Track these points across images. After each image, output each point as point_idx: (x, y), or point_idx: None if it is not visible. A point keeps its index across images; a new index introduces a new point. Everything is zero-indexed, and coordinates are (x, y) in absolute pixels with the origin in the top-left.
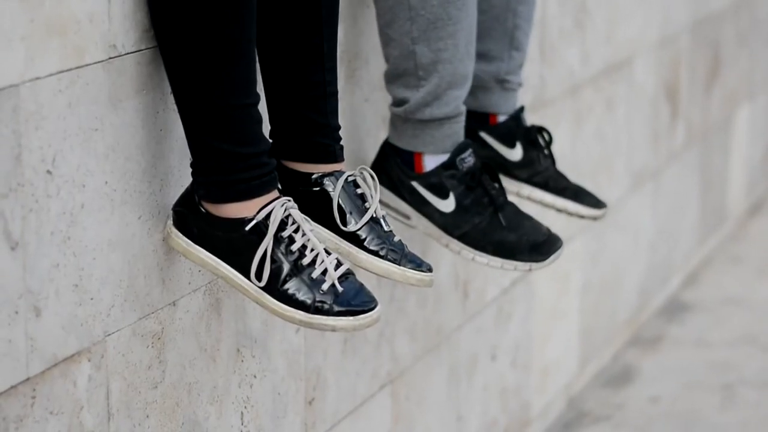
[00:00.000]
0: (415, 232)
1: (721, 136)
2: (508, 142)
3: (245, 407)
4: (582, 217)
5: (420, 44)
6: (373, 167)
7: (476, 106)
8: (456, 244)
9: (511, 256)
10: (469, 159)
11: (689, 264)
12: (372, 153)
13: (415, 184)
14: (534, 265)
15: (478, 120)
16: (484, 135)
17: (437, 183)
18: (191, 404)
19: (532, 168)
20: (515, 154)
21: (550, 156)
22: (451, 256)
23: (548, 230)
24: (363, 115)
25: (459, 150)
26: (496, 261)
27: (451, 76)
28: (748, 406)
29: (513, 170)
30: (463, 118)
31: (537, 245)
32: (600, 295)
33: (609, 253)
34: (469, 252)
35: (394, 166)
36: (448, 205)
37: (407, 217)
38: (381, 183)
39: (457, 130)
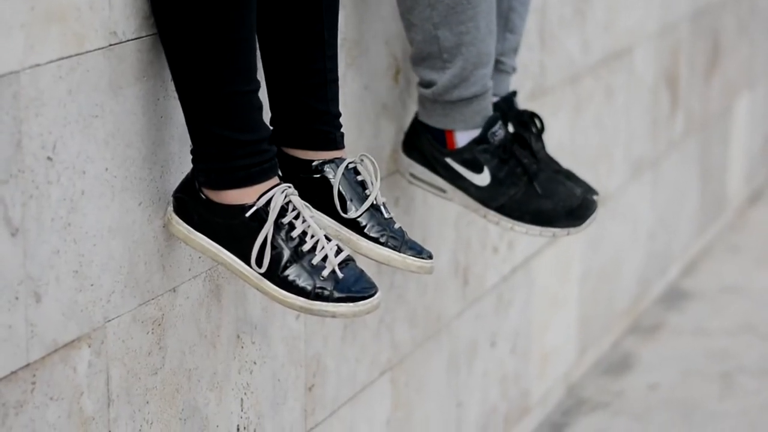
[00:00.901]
0: (414, 219)
1: (721, 126)
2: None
3: (245, 393)
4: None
5: (442, 29)
6: (404, 144)
7: None
8: (494, 215)
9: (548, 224)
10: (499, 132)
11: (688, 253)
12: (372, 140)
13: (449, 160)
14: (572, 230)
15: None
16: None
17: (471, 158)
18: (191, 390)
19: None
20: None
21: (541, 140)
22: (451, 243)
23: (582, 193)
24: (363, 103)
25: (489, 124)
26: (534, 229)
27: (476, 57)
28: (746, 395)
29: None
30: (490, 93)
31: (572, 210)
32: (599, 284)
33: (608, 241)
34: (507, 222)
35: (426, 143)
36: (483, 179)
37: (443, 191)
38: (414, 159)
39: (485, 106)
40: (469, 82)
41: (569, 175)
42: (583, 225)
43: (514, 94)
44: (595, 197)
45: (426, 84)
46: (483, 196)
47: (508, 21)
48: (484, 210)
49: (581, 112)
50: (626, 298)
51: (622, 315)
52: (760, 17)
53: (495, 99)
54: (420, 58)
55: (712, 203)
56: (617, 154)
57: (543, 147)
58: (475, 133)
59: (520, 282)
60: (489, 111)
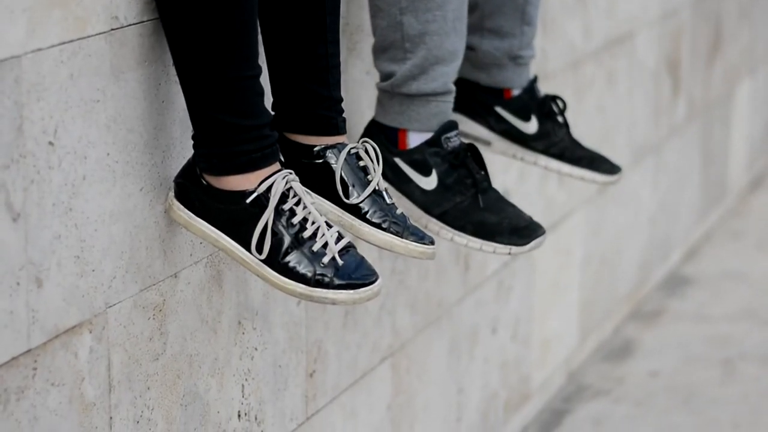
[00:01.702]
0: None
1: (722, 111)
2: (524, 116)
3: (246, 379)
4: (598, 183)
5: (408, 14)
6: None
7: (490, 82)
8: (435, 224)
9: (490, 238)
10: (455, 139)
11: (689, 238)
12: None
13: (397, 160)
14: (514, 248)
15: (493, 95)
16: (499, 110)
17: (420, 159)
18: (192, 376)
19: (547, 139)
20: (531, 126)
21: (565, 124)
22: None
23: (530, 218)
24: (364, 88)
25: (445, 128)
26: (475, 242)
27: (438, 50)
28: (747, 380)
29: (530, 142)
30: (451, 98)
31: (518, 229)
32: (600, 269)
33: (610, 227)
34: (448, 231)
35: (378, 144)
36: (429, 182)
37: None
38: None
39: (444, 109)
40: (429, 76)
41: (593, 159)
42: (528, 246)
43: (534, 80)
44: (618, 175)
45: (385, 76)
46: (427, 202)
47: (524, 14)
48: (426, 218)
49: (583, 97)
50: (627, 284)
51: (623, 301)
52: (761, 2)
53: (516, 92)
54: (382, 48)
55: (714, 189)
56: (619, 140)
57: (567, 133)
58: (428, 135)
59: (521, 268)
60: (447, 116)
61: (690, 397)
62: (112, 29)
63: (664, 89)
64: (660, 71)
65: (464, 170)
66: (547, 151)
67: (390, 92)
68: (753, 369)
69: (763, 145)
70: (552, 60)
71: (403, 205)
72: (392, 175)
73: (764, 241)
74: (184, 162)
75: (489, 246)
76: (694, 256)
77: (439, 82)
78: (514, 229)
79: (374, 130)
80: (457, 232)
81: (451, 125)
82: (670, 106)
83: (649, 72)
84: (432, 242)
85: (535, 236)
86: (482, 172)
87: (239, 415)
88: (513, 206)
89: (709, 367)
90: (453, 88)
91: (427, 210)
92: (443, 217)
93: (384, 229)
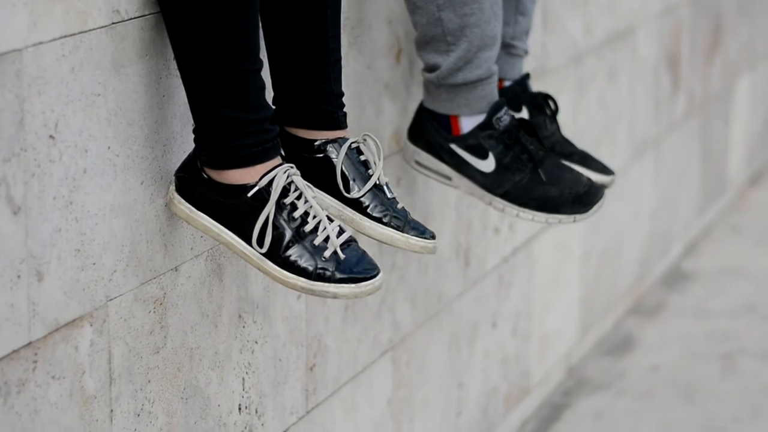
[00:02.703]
0: (416, 199)
1: (722, 106)
2: (515, 106)
3: (246, 373)
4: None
5: (446, 11)
6: (409, 132)
7: None
8: (499, 202)
9: (554, 210)
10: (505, 117)
11: (690, 233)
12: (374, 120)
13: (453, 146)
14: (578, 216)
15: None
16: None
17: (476, 144)
18: (193, 369)
19: (539, 132)
20: (522, 116)
21: (556, 122)
22: (452, 224)
23: (589, 180)
24: (365, 82)
25: (494, 109)
26: (540, 216)
27: (480, 39)
28: (747, 375)
29: None
30: (495, 78)
31: (579, 197)
32: (601, 264)
33: (610, 221)
34: (512, 209)
35: (431, 130)
36: (488, 165)
37: (448, 178)
38: (419, 146)
39: (490, 91)
40: (474, 64)
41: (585, 157)
42: (590, 212)
43: (527, 76)
44: (610, 177)
45: (430, 68)
46: (488, 183)
47: (519, 3)
48: (489, 197)
49: (584, 93)
50: (628, 278)
51: (624, 296)
52: None
53: (508, 83)
54: (424, 41)
55: (713, 184)
56: (619, 135)
57: (558, 129)
58: (480, 118)
59: (521, 263)
60: (494, 96)
61: (690, 391)
62: (113, 23)
63: (664, 84)
64: (660, 66)
65: (519, 147)
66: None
67: (436, 83)
68: (753, 363)
69: (762, 140)
70: (553, 55)
71: (466, 185)
72: (450, 160)
73: (764, 236)
74: (184, 156)
75: (554, 218)
76: (694, 251)
77: (483, 68)
78: (576, 197)
79: (425, 116)
80: (521, 208)
81: (500, 105)
82: (670, 101)
83: (650, 67)
84: (433, 237)
85: (596, 201)
86: (536, 141)
87: (240, 409)
88: (571, 171)
89: (709, 361)
90: (496, 68)
91: (490, 190)
92: (506, 196)
93: (385, 224)
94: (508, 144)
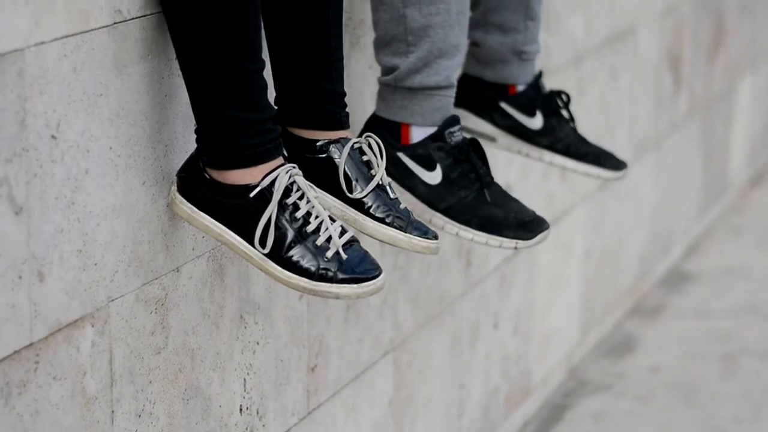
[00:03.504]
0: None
1: (724, 106)
2: (529, 112)
3: (248, 374)
4: (603, 179)
5: (411, 7)
6: None
7: (495, 78)
8: (440, 218)
9: (496, 232)
10: (458, 134)
11: (690, 234)
12: None
13: (401, 155)
14: (520, 242)
15: (497, 91)
16: (504, 105)
17: (424, 154)
18: (194, 370)
19: (553, 135)
20: (536, 122)
21: (570, 118)
22: None
23: (534, 213)
24: (367, 82)
25: (448, 123)
26: (481, 236)
27: (442, 43)
28: (748, 376)
29: (535, 138)
30: (453, 92)
31: (523, 223)
32: (601, 264)
33: (611, 222)
34: (453, 226)
35: (380, 139)
36: (434, 177)
37: None
38: None
39: (446, 104)
40: (432, 69)
41: (599, 156)
42: (534, 240)
43: (539, 76)
44: (623, 171)
45: (388, 71)
46: (431, 196)
47: (528, 9)
48: (430, 213)
49: (585, 92)
50: (628, 279)
51: (624, 296)
52: None
53: (521, 87)
54: (384, 42)
55: (715, 184)
56: (620, 135)
57: (572, 129)
58: (431, 129)
59: (522, 263)
60: (449, 110)
61: (691, 392)
62: (115, 23)
63: (666, 84)
64: (661, 66)
65: (468, 165)
66: (552, 147)
67: (392, 86)
68: (754, 364)
69: (764, 141)
70: (554, 55)
71: (407, 200)
72: (395, 170)
73: (765, 237)
74: (186, 156)
75: (495, 240)
76: (694, 252)
77: (442, 75)
78: (520, 223)
79: (375, 125)
80: (462, 226)
81: (454, 120)
82: (672, 101)
83: (651, 67)
84: (435, 237)
85: (540, 230)
86: (484, 167)
87: (241, 410)
88: (516, 201)
89: (710, 362)
90: (455, 82)
91: (432, 205)
92: (448, 212)
93: (387, 224)
94: (458, 159)
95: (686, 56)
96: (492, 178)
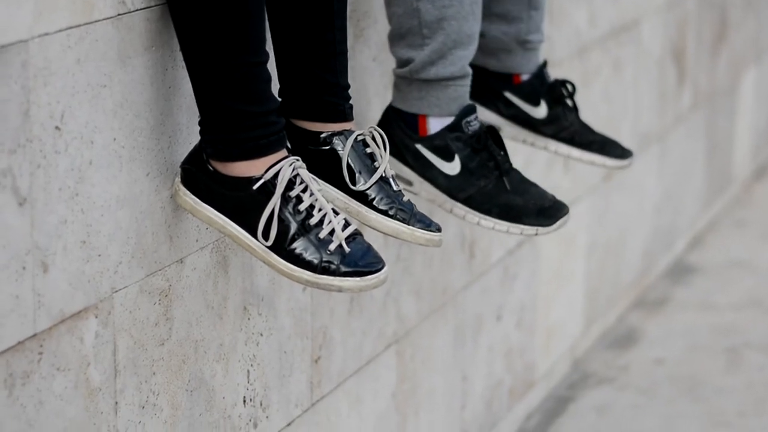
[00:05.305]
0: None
1: (728, 100)
2: (533, 101)
3: (251, 365)
4: (609, 168)
5: (424, 1)
6: None
7: (499, 67)
8: (460, 208)
9: (517, 220)
10: (474, 123)
11: (694, 227)
12: (380, 112)
13: (419, 146)
14: (541, 229)
15: (501, 80)
16: (508, 95)
17: (442, 145)
18: (198, 361)
19: (557, 124)
20: (540, 111)
21: (575, 108)
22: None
23: (554, 197)
24: (371, 75)
25: (465, 113)
26: (502, 225)
27: (457, 35)
28: (752, 369)
29: (539, 127)
30: (468, 81)
31: (544, 209)
32: (605, 257)
33: (615, 215)
34: (474, 216)
35: (398, 130)
36: (453, 167)
37: (409, 183)
38: None
39: (462, 93)
40: (448, 60)
41: (604, 144)
42: (554, 226)
43: (544, 65)
44: (629, 160)
45: (403, 63)
46: (451, 187)
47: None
48: (450, 203)
49: (589, 85)
50: (632, 272)
51: (628, 289)
52: None
53: (525, 77)
54: (399, 35)
55: (719, 178)
56: (624, 128)
57: (576, 118)
58: (448, 120)
59: (525, 256)
60: (465, 100)
61: (694, 385)
62: (119, 14)
63: (670, 77)
64: (665, 59)
65: (486, 153)
66: (556, 136)
67: (408, 78)
68: (758, 358)
69: None
70: (558, 47)
71: (427, 191)
72: (414, 161)
73: None
74: (190, 147)
75: (516, 228)
76: (698, 245)
77: (458, 66)
78: (540, 209)
79: (392, 116)
80: (483, 216)
81: (470, 109)
82: (676, 95)
83: (655, 60)
84: (438, 229)
85: (560, 216)
86: (503, 153)
87: (244, 401)
88: (536, 186)
89: (714, 355)
90: (470, 71)
91: (452, 195)
92: (468, 202)
93: (391, 216)
94: (476, 148)
95: (690, 49)
96: (511, 165)
